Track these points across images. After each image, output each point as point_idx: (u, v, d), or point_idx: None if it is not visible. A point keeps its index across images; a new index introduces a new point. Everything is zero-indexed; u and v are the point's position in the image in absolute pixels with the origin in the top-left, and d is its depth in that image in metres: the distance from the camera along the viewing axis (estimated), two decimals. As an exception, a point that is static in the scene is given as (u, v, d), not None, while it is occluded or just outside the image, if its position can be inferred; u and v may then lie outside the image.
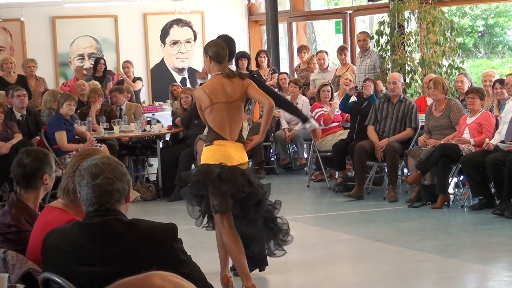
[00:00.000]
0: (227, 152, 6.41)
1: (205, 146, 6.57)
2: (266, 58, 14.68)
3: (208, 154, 6.46)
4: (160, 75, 17.25)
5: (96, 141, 11.17)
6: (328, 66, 14.01)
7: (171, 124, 12.37)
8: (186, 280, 1.58)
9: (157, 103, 15.73)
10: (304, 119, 8.10)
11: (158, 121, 12.44)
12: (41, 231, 4.08)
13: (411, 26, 13.41)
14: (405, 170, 10.99)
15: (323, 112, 11.75)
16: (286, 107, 8.67)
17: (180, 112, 11.96)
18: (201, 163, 6.58)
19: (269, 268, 7.10)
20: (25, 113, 11.33)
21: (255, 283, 6.39)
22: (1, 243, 4.26)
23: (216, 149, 6.42)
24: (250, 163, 12.45)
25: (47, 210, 4.17)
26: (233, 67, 7.04)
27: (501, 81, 10.32)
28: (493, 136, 9.69)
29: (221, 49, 6.55)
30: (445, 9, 13.62)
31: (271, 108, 6.62)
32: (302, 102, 12.64)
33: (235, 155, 6.44)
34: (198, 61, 17.36)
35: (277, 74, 14.21)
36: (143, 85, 15.77)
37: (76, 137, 11.13)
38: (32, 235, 4.17)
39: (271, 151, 13.31)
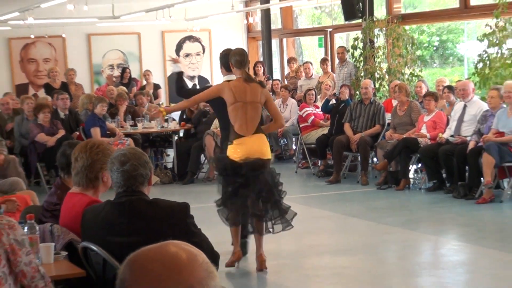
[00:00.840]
0: (244, 149, 6.20)
1: (229, 145, 6.31)
2: (262, 68, 14.68)
3: (231, 152, 6.25)
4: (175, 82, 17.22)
5: (123, 136, 11.19)
6: (312, 74, 14.00)
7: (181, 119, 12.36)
8: (196, 248, 1.60)
9: (173, 104, 15.73)
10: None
11: (173, 119, 12.44)
12: (67, 213, 4.10)
13: (380, 41, 13.41)
14: (375, 159, 11.00)
15: (310, 111, 11.79)
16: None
17: (187, 113, 11.96)
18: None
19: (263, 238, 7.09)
20: (67, 113, 11.35)
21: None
22: (48, 218, 4.27)
23: (236, 147, 6.22)
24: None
25: (69, 196, 4.14)
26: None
27: (448, 87, 10.38)
28: (444, 131, 9.73)
29: (238, 57, 6.35)
30: (407, 27, 13.62)
31: (280, 126, 6.87)
32: (291, 104, 12.65)
33: (253, 149, 6.22)
34: (206, 70, 17.39)
35: (271, 81, 14.22)
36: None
37: (108, 132, 11.15)
38: (61, 217, 4.16)
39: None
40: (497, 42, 10.79)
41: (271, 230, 6.37)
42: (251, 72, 14.54)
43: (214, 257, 3.75)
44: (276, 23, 17.39)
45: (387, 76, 13.12)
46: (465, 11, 12.65)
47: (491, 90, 9.35)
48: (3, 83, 16.00)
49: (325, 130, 11.41)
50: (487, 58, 10.88)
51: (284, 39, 17.36)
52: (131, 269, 1.52)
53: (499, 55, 10.75)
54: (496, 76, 10.54)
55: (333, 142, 10.71)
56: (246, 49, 17.58)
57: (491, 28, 10.87)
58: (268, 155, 6.36)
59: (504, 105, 9.01)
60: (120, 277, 1.53)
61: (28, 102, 11.30)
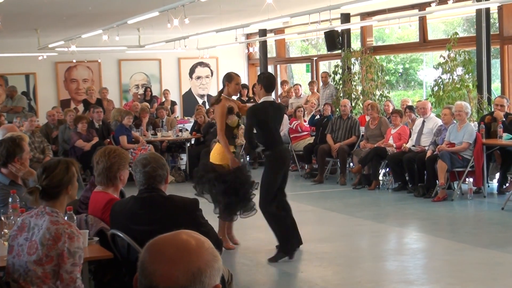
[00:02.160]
0: None
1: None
2: (260, 89, 14.66)
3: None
4: (188, 99, 17.24)
5: (145, 143, 11.18)
6: (301, 94, 13.99)
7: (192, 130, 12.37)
8: (203, 236, 1.59)
9: (186, 118, 15.73)
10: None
11: (186, 130, 12.44)
12: (93, 207, 4.08)
13: (356, 68, 13.43)
14: (351, 164, 11.00)
15: (298, 123, 11.78)
16: None
17: (197, 125, 12.01)
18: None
19: (258, 228, 7.01)
20: (100, 123, 11.35)
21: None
22: (84, 210, 4.24)
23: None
24: (248, 158, 12.52)
25: (94, 194, 4.12)
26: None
27: (409, 107, 10.39)
28: (407, 142, 9.73)
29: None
30: (377, 57, 13.64)
31: None
32: (284, 118, 12.59)
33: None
34: (213, 90, 17.38)
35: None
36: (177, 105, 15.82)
37: (133, 139, 11.14)
38: (89, 211, 4.12)
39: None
40: (449, 69, 10.83)
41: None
42: (250, 92, 14.60)
43: (218, 243, 3.76)
44: (271, 52, 17.42)
45: (361, 97, 13.14)
46: (424, 44, 12.70)
47: (444, 109, 9.37)
48: (50, 99, 16.06)
49: (311, 140, 11.42)
50: (441, 83, 10.92)
51: (278, 65, 17.38)
52: (150, 252, 1.52)
53: (451, 80, 10.79)
54: (448, 97, 10.58)
55: (318, 149, 10.71)
56: (246, 74, 17.71)
57: (444, 59, 10.91)
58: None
59: (455, 121, 9.02)
60: (140, 259, 1.53)
61: (70, 114, 11.33)
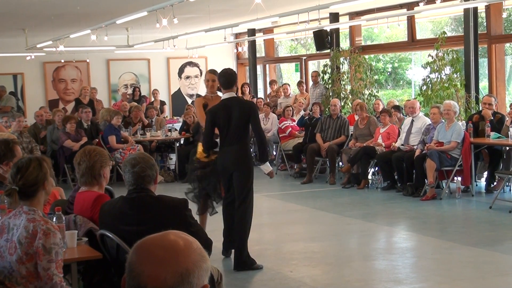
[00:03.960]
0: None
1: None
2: (248, 88, 14.66)
3: None
4: (177, 99, 17.21)
5: (134, 143, 11.14)
6: (290, 93, 14.01)
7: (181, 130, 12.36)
8: (192, 236, 1.58)
9: (175, 117, 15.70)
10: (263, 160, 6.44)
11: (175, 129, 12.41)
12: (80, 207, 4.06)
13: (345, 67, 13.46)
14: (341, 163, 11.02)
15: (288, 123, 11.78)
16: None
17: (186, 127, 11.99)
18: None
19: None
20: (89, 123, 11.30)
21: None
22: (73, 210, 4.24)
23: None
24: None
25: (79, 195, 4.10)
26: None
27: (396, 107, 10.44)
28: (396, 141, 9.76)
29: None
30: (366, 56, 13.68)
31: None
32: (272, 118, 12.63)
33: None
34: (203, 90, 17.33)
35: (255, 99, 14.22)
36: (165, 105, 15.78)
37: (122, 139, 11.10)
38: (75, 211, 4.10)
39: (251, 150, 13.26)
40: (437, 69, 10.89)
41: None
42: (239, 92, 14.60)
43: (207, 243, 3.74)
44: (260, 52, 17.42)
45: (350, 96, 13.17)
46: (412, 43, 12.74)
47: (432, 108, 9.40)
48: (38, 99, 15.98)
49: (301, 139, 11.43)
50: (429, 82, 10.97)
51: (267, 65, 17.39)
52: (137, 253, 1.51)
53: (439, 79, 10.85)
54: (436, 96, 10.64)
55: (307, 149, 10.71)
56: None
57: (432, 58, 10.96)
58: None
59: (443, 120, 9.06)
60: (128, 260, 1.52)
61: (59, 114, 11.28)
